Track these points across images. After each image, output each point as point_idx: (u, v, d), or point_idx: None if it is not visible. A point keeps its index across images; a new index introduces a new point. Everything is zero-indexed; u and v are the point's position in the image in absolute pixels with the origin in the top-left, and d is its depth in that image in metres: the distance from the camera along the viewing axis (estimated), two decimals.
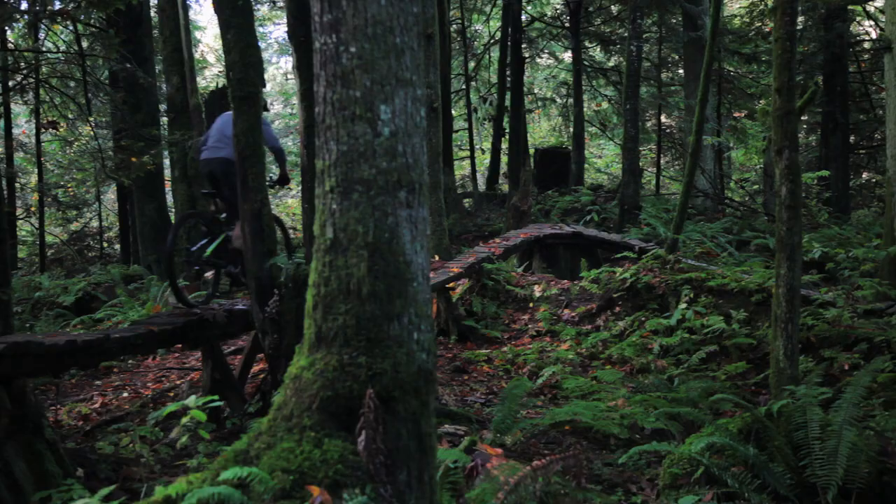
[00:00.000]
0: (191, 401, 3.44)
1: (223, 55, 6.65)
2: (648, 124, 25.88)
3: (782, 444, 5.20)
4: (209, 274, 7.88)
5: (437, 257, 11.47)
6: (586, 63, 24.24)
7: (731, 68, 23.52)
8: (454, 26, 24.63)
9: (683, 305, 8.57)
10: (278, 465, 2.69)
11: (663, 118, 25.45)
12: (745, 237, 15.59)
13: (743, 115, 25.89)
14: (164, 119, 15.78)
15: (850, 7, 20.05)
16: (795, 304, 5.75)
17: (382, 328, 2.86)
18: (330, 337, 2.88)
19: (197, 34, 25.86)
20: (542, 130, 31.44)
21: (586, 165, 27.00)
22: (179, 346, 9.08)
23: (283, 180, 8.13)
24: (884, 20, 13.76)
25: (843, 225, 16.99)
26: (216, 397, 3.84)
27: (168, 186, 16.12)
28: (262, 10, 27.18)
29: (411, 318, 2.91)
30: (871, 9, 20.85)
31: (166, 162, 15.75)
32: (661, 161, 24.24)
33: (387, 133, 2.89)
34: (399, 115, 2.91)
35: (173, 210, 15.04)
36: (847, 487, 4.77)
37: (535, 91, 29.91)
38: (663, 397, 6.73)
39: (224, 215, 7.58)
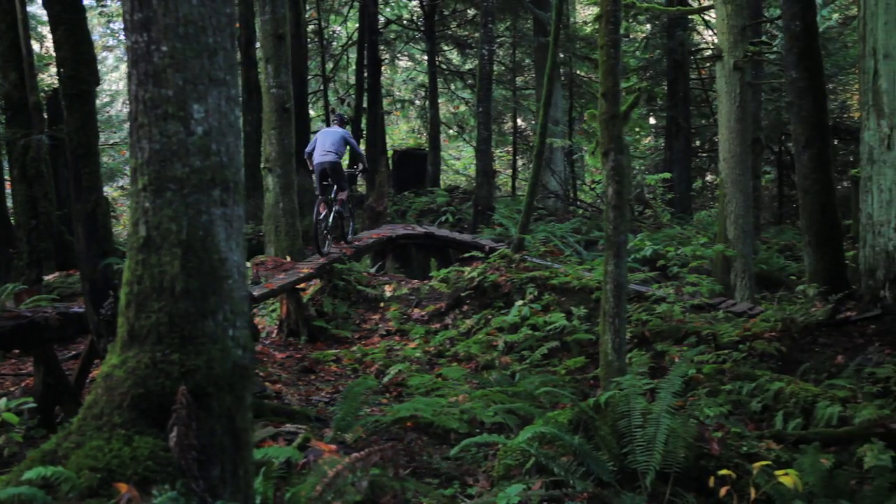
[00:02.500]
0: (2, 403, 3.36)
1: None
2: (506, 126, 26.42)
3: (608, 433, 5.44)
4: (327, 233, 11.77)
5: (289, 258, 11.43)
6: (444, 66, 24.55)
7: (582, 73, 24.27)
8: (311, 27, 24.49)
9: (520, 302, 8.84)
10: (86, 464, 2.68)
11: (519, 121, 26.03)
12: (593, 237, 16.14)
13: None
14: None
15: (690, 16, 21.05)
16: (622, 300, 6.04)
17: (196, 325, 2.88)
18: (143, 335, 2.87)
19: (41, 29, 24.77)
20: (402, 132, 31.63)
21: (445, 167, 27.36)
22: (16, 351, 8.73)
23: (366, 170, 13.40)
24: None
25: (684, 225, 17.82)
26: (30, 399, 3.75)
27: (9, 188, 15.42)
28: (113, 6, 26.32)
29: (226, 315, 2.95)
30: (710, 18, 21.92)
31: (7, 161, 15.06)
32: (517, 163, 24.80)
33: (200, 132, 2.92)
34: (213, 114, 2.94)
35: (13, 211, 14.39)
36: (665, 472, 5.03)
37: (395, 93, 30.07)
38: (503, 392, 6.94)
39: (332, 196, 11.97)
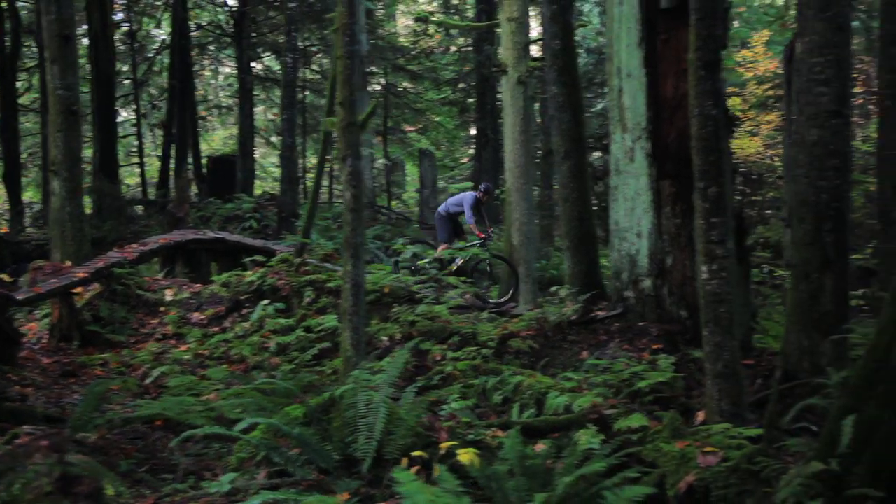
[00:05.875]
0: None
1: None
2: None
3: (340, 424, 5.74)
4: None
5: (68, 263, 11.22)
6: (259, 72, 24.47)
7: (395, 82, 24.73)
8: (124, 28, 23.94)
9: (265, 302, 9.08)
10: None
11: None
12: (395, 244, 16.50)
13: (417, 128, 27.20)
14: None
15: (498, 31, 21.85)
16: (360, 298, 6.35)
17: None
18: None
19: None
20: (220, 138, 31.25)
21: (264, 174, 27.27)
22: None
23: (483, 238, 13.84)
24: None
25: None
26: None
27: None
28: None
29: None
30: None
31: None
32: (333, 171, 24.99)
33: None
34: None
35: None
36: (386, 458, 5.35)
37: (214, 98, 29.69)
38: (259, 390, 7.13)
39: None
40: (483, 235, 13.81)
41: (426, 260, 13.06)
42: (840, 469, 4.31)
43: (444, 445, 4.71)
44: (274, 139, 28.75)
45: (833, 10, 7.40)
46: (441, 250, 13.20)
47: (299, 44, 19.90)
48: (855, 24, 23.19)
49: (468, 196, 13.82)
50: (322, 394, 6.05)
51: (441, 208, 13.82)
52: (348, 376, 6.23)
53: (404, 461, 4.77)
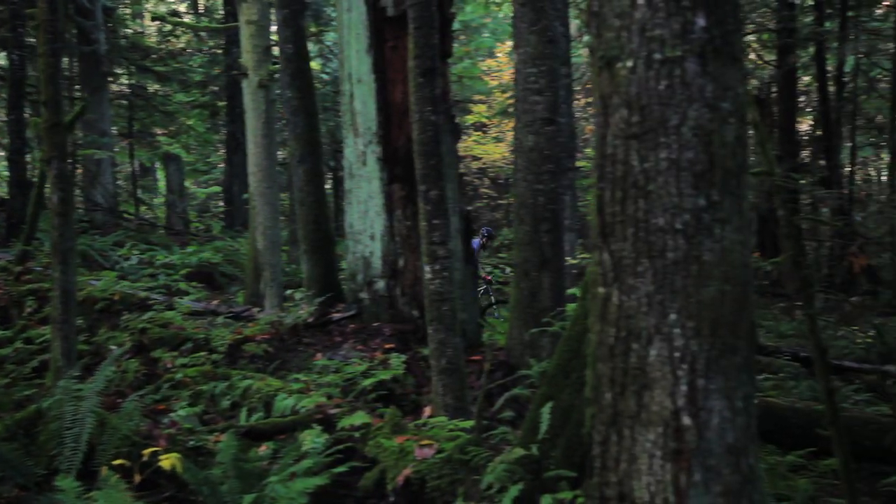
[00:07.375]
0: None
1: None
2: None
3: (48, 437, 5.50)
4: None
5: None
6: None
7: (147, 85, 23.82)
8: None
9: None
10: None
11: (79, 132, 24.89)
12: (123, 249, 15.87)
13: (168, 132, 26.31)
14: None
15: None
16: (70, 306, 6.09)
17: None
18: None
19: None
20: None
21: None
22: None
23: None
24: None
25: (238, 238, 18.22)
26: None
27: None
28: None
29: None
30: None
31: None
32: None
33: None
34: None
35: None
36: (95, 470, 5.17)
37: None
38: None
39: None
40: (489, 278, 14.46)
41: None
42: (539, 454, 4.61)
43: (147, 452, 4.62)
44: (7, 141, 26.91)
45: (542, 24, 7.91)
46: None
47: (31, 40, 18.66)
48: (588, 38, 24.80)
49: (474, 243, 13.25)
50: (28, 407, 5.78)
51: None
52: (56, 387, 5.98)
53: (104, 470, 4.63)
